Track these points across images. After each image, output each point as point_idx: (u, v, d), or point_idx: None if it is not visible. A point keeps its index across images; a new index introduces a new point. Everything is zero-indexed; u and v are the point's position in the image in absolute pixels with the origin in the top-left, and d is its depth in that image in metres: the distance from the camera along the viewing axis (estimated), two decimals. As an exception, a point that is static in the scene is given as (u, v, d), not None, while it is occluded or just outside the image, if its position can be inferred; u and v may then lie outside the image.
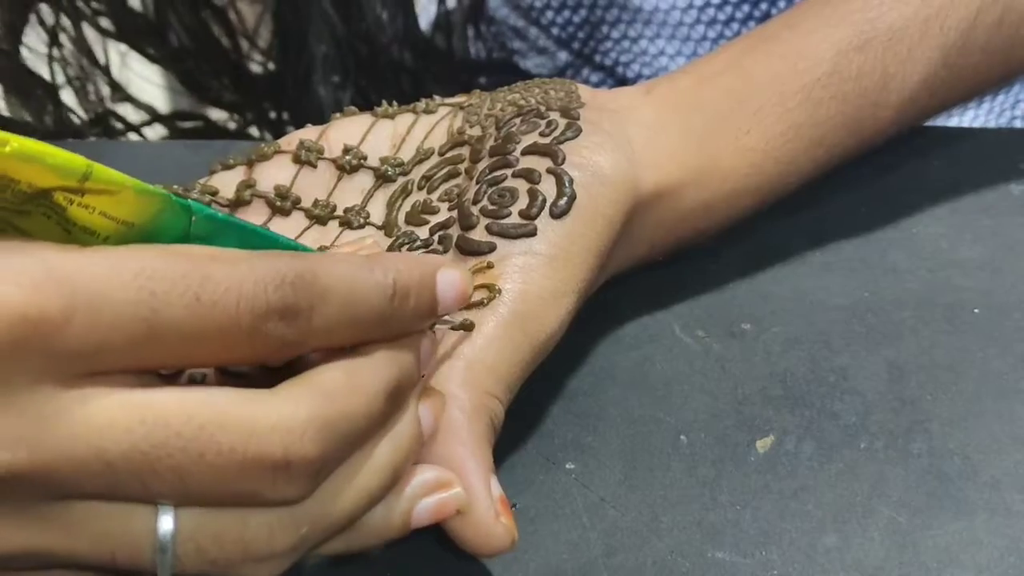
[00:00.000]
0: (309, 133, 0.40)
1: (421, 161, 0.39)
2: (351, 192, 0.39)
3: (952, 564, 0.31)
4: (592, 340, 0.39)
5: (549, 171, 0.35)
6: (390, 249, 0.37)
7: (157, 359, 0.24)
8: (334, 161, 0.39)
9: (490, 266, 0.34)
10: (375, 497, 0.28)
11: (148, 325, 0.23)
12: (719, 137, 0.39)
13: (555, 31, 0.65)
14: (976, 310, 0.39)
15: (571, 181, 0.35)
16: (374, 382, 0.27)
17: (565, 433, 0.36)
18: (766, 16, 0.58)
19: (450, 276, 0.29)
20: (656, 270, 0.40)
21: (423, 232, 0.37)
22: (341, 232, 0.38)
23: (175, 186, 0.39)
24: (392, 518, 0.28)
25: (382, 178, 0.39)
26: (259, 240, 0.28)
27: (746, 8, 0.59)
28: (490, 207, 0.35)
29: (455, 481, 0.29)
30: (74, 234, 0.25)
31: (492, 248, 0.34)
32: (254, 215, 0.38)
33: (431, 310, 0.28)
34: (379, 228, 0.38)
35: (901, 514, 0.33)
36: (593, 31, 0.63)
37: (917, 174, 0.43)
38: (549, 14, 0.64)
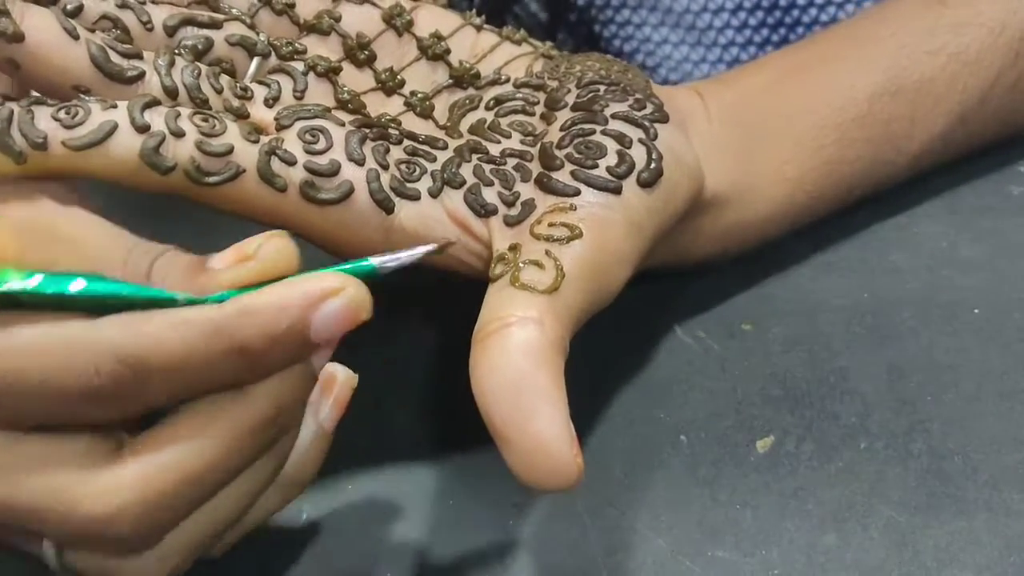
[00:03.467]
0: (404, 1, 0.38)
1: (494, 83, 0.38)
2: (421, 77, 0.38)
3: (952, 564, 0.31)
4: (592, 340, 0.39)
5: (641, 141, 0.34)
6: (458, 152, 0.34)
7: None
8: (418, 40, 0.38)
9: (572, 208, 0.32)
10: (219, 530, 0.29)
11: None
12: (761, 162, 0.39)
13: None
14: (976, 310, 0.39)
15: (660, 157, 0.34)
16: (234, 427, 0.27)
17: (565, 433, 0.36)
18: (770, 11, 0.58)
19: (333, 307, 0.26)
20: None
21: (494, 149, 0.35)
22: (403, 112, 0.37)
23: None
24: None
25: (457, 79, 0.38)
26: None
27: None
28: (576, 155, 0.34)
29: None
30: None
31: (576, 193, 0.33)
32: (324, 49, 0.37)
33: (302, 351, 0.27)
34: (440, 127, 0.37)
35: (901, 514, 0.33)
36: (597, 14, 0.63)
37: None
38: None
